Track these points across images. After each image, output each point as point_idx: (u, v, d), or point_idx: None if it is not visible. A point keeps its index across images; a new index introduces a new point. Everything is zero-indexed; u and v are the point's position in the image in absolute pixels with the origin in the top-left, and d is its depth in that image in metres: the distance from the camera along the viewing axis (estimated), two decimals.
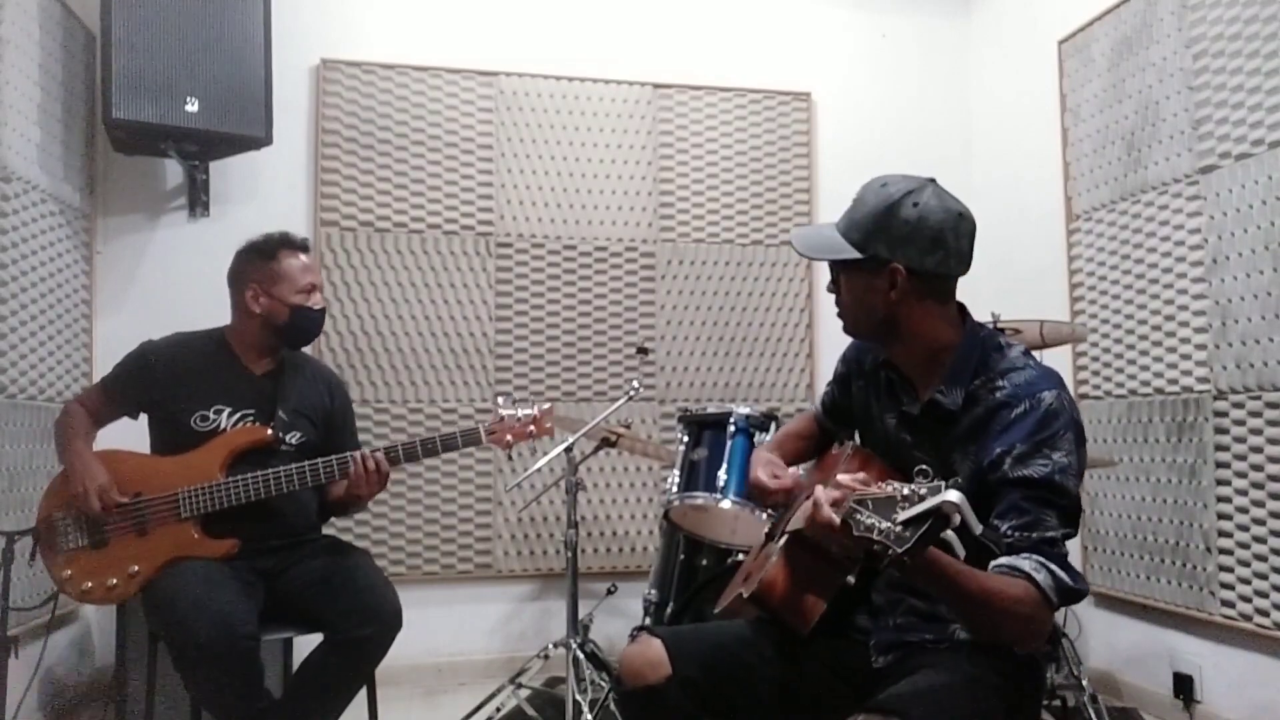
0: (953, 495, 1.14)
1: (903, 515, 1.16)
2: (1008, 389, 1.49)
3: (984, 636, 1.46)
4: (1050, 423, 1.43)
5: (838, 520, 1.23)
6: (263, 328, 2.42)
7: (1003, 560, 1.37)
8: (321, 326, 2.51)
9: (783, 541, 1.61)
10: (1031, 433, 1.42)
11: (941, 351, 1.56)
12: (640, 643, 1.67)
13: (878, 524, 1.18)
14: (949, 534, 1.17)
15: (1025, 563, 1.36)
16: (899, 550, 1.15)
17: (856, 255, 1.53)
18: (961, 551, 1.20)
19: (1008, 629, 1.38)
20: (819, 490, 1.29)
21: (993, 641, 1.45)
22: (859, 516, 1.21)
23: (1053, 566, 1.36)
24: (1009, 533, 1.39)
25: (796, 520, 1.57)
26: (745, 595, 1.60)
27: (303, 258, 2.45)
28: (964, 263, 1.54)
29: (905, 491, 1.18)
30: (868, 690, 1.54)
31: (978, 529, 1.18)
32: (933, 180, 1.55)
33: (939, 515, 1.15)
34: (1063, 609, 3.05)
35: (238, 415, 2.37)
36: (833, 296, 1.65)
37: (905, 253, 1.51)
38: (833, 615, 1.57)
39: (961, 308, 1.61)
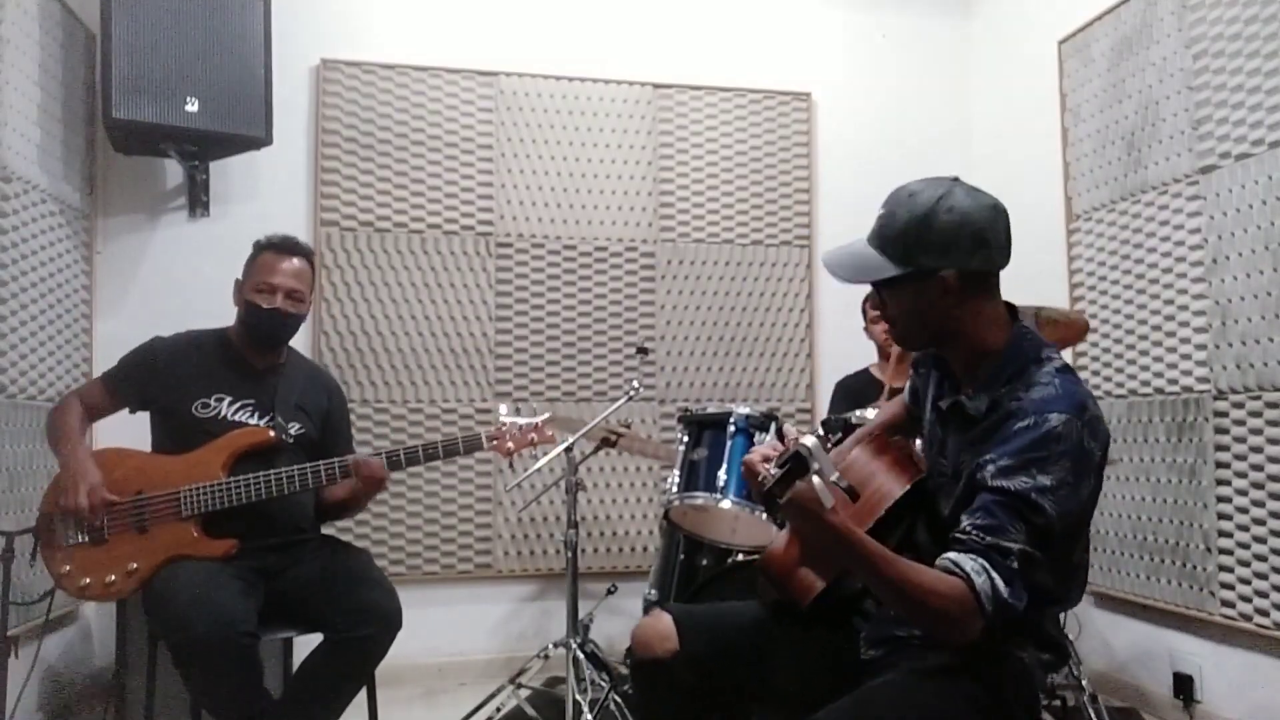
0: (808, 440, 1.37)
1: (777, 461, 1.41)
2: (1023, 401, 1.46)
3: (912, 625, 1.51)
4: (1046, 445, 1.38)
5: (766, 473, 1.44)
6: (239, 323, 2.46)
7: (949, 555, 1.37)
8: (279, 328, 2.44)
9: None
10: (1023, 450, 1.39)
11: (986, 357, 1.54)
12: (653, 616, 1.73)
13: (770, 471, 1.42)
14: (816, 481, 1.34)
15: (969, 563, 1.34)
16: (765, 488, 1.39)
17: (899, 271, 1.50)
18: (829, 500, 1.34)
19: (925, 623, 1.38)
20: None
21: (929, 635, 1.47)
22: (768, 466, 1.46)
23: (994, 575, 1.33)
24: (967, 529, 1.38)
25: None
26: (757, 566, 1.71)
27: (272, 256, 2.42)
28: (1006, 255, 1.53)
29: (805, 443, 1.38)
30: (855, 681, 1.54)
31: (831, 476, 1.37)
32: (956, 179, 1.53)
33: (797, 457, 1.37)
34: (1061, 610, 3.07)
35: (238, 404, 2.40)
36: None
37: (951, 258, 1.47)
38: (840, 601, 1.61)
39: (1010, 308, 1.58)
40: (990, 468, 1.40)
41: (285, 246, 2.46)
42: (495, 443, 2.45)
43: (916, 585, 1.34)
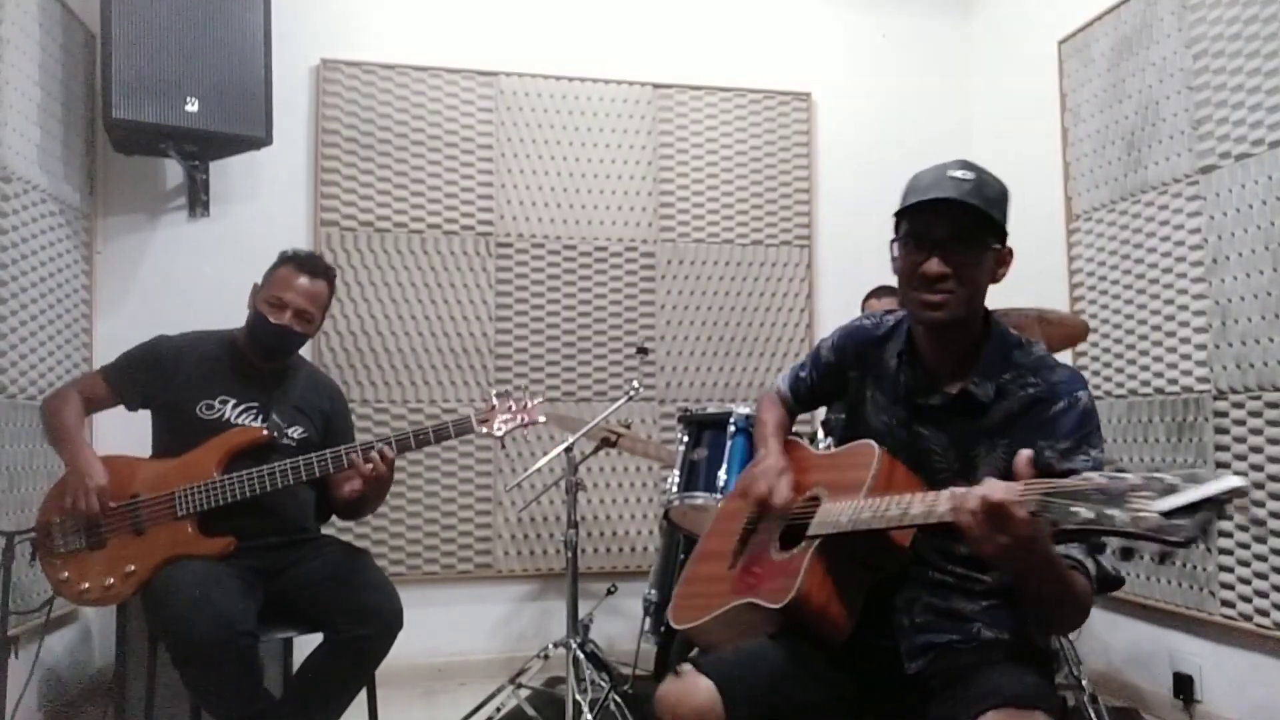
0: (1237, 481, 1.05)
1: (1160, 504, 1.06)
2: (1043, 386, 1.51)
3: (1052, 628, 1.50)
4: (1086, 422, 1.47)
5: (1026, 514, 1.19)
6: (245, 327, 2.45)
7: (1057, 548, 1.37)
8: (281, 344, 2.43)
9: (811, 549, 1.53)
10: (1073, 430, 1.46)
11: (971, 342, 1.57)
12: (686, 682, 1.46)
13: (1104, 512, 1.10)
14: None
15: (1076, 550, 1.39)
16: (1175, 539, 1.06)
17: (1003, 231, 1.55)
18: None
19: (1072, 618, 1.42)
20: (991, 489, 1.23)
21: (1055, 631, 1.48)
22: (1073, 509, 1.14)
23: (1096, 555, 1.40)
24: None
25: (827, 525, 1.52)
26: (777, 607, 1.49)
27: (290, 271, 2.41)
28: None
29: (1135, 481, 1.10)
30: (905, 698, 1.51)
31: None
32: None
33: (1218, 502, 1.05)
34: None
35: (242, 407, 2.40)
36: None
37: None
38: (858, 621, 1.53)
39: None
40: (1051, 455, 1.44)
41: (307, 264, 2.44)
42: (484, 422, 2.43)
43: (1073, 585, 1.36)
